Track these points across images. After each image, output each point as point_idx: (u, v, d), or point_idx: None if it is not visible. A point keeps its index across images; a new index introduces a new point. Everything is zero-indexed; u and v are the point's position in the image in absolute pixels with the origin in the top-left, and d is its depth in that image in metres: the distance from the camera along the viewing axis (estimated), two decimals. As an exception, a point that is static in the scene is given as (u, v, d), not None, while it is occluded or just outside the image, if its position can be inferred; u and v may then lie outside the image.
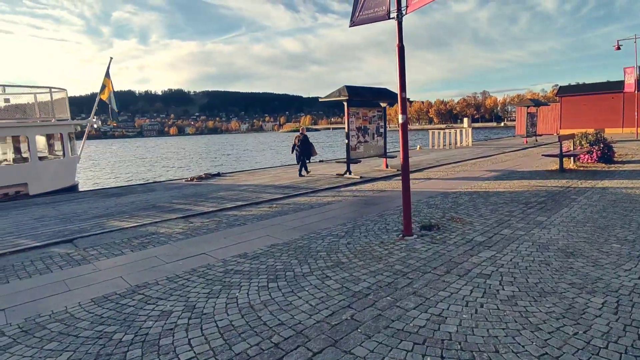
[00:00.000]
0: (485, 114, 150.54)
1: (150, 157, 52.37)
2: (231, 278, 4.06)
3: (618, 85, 26.78)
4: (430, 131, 22.74)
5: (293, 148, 12.51)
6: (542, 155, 12.43)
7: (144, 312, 3.40)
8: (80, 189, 14.88)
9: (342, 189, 9.57)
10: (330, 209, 7.34)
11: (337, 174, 11.96)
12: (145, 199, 9.22)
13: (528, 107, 24.25)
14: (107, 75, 15.26)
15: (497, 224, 5.60)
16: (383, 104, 12.72)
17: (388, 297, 3.37)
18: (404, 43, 5.10)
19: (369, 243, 4.99)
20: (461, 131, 23.69)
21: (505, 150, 18.37)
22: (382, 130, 12.69)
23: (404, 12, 4.98)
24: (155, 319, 3.26)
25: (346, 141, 11.45)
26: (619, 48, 22.97)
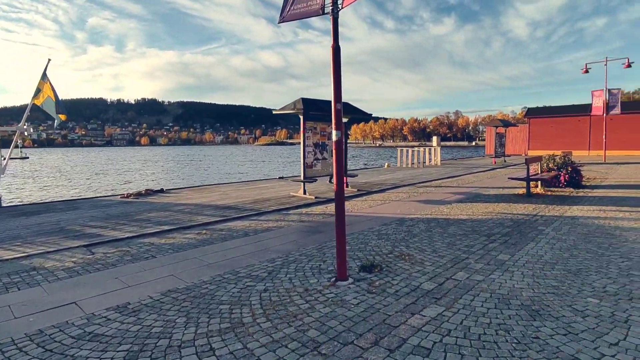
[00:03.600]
0: (457, 133, 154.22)
1: (107, 166, 49.80)
2: (79, 350, 2.90)
3: (585, 109, 27.26)
4: (399, 149, 22.14)
5: None
6: (509, 178, 11.83)
7: None
8: (4, 205, 13.16)
9: (290, 212, 8.52)
10: (266, 237, 6.26)
11: (291, 194, 10.93)
12: (57, 220, 7.86)
13: (497, 127, 24.14)
14: (44, 78, 13.76)
15: (452, 264, 4.67)
16: (344, 119, 11.86)
17: (278, 394, 2.31)
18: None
19: (290, 290, 3.93)
20: (430, 150, 23.24)
21: (473, 171, 17.89)
22: (342, 146, 11.78)
23: (340, 6, 4.08)
24: None
25: (301, 158, 10.47)
26: (587, 71, 23.28)
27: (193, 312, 3.49)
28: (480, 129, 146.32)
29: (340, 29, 4.17)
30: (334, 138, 4.19)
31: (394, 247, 5.44)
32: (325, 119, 11.45)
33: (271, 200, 10.03)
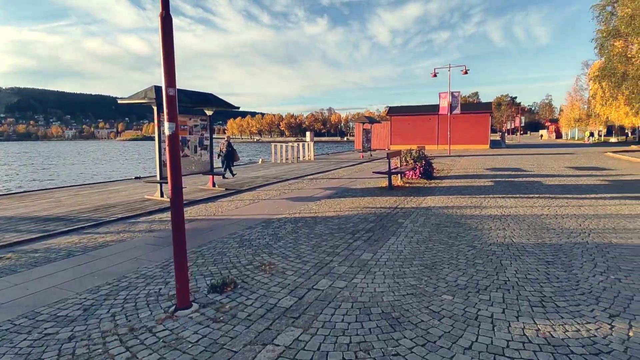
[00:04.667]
0: (331, 129, 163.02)
1: None
2: None
3: (434, 108, 30.98)
4: (273, 144, 21.79)
5: (219, 154, 13.53)
6: (373, 172, 12.42)
7: None
8: None
9: (140, 219, 7.22)
10: (98, 256, 5.02)
11: (145, 197, 9.46)
12: None
13: (364, 123, 25.73)
14: None
15: (315, 270, 4.28)
16: (209, 112, 10.81)
17: None
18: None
19: (108, 334, 2.98)
20: (304, 145, 23.49)
21: (343, 165, 18.56)
22: (207, 142, 10.73)
23: (166, -36, 3.23)
24: None
25: (156, 155, 9.10)
26: (435, 75, 26.39)
27: None
28: (351, 125, 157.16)
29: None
30: (166, 132, 3.33)
31: (255, 256, 4.84)
32: (186, 111, 10.26)
33: (118, 206, 8.46)
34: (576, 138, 55.37)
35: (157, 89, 8.85)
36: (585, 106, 47.76)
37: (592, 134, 48.54)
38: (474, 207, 7.72)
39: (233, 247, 5.24)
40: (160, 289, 3.88)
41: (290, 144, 22.12)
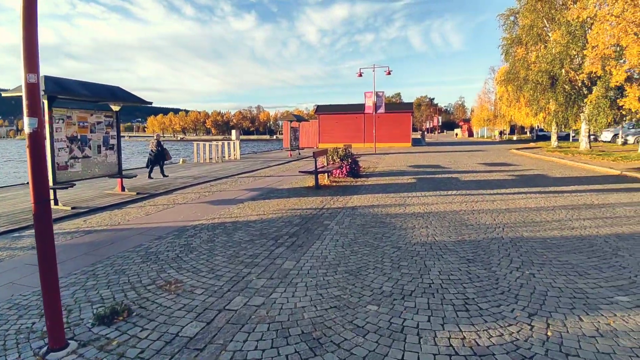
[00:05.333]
0: (260, 127, 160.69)
1: None
2: None
3: (360, 107, 31.69)
4: (195, 143, 20.52)
5: (149, 154, 13.17)
6: (299, 171, 12.14)
7: None
8: None
9: (25, 233, 6.09)
10: (-45, 285, 4.01)
11: (35, 205, 8.11)
12: None
13: (292, 122, 25.41)
14: None
15: (229, 286, 3.80)
16: (115, 108, 9.64)
17: None
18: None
19: (-62, 400, 2.25)
20: (229, 143, 22.51)
21: (270, 164, 18.05)
22: (113, 141, 9.56)
23: None
24: None
25: (48, 157, 7.82)
26: (361, 75, 26.94)
27: None
28: (280, 124, 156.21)
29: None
30: (26, 130, 2.62)
31: (161, 273, 4.21)
32: (86, 106, 9.04)
33: (1, 217, 7.11)
34: (485, 136, 60.83)
35: (50, 80, 7.61)
36: (492, 107, 52.60)
37: (501, 133, 53.71)
38: (398, 206, 7.76)
39: (135, 263, 4.54)
40: (33, 323, 3.12)
41: (214, 142, 21.00)
